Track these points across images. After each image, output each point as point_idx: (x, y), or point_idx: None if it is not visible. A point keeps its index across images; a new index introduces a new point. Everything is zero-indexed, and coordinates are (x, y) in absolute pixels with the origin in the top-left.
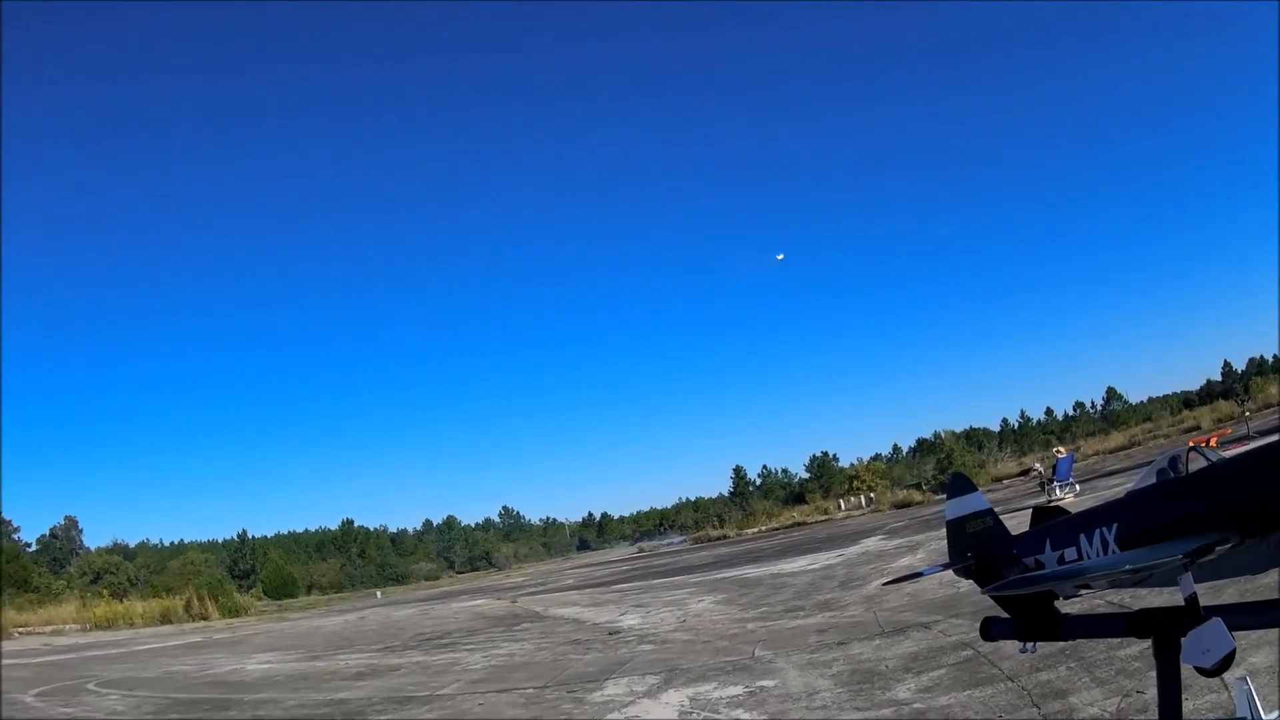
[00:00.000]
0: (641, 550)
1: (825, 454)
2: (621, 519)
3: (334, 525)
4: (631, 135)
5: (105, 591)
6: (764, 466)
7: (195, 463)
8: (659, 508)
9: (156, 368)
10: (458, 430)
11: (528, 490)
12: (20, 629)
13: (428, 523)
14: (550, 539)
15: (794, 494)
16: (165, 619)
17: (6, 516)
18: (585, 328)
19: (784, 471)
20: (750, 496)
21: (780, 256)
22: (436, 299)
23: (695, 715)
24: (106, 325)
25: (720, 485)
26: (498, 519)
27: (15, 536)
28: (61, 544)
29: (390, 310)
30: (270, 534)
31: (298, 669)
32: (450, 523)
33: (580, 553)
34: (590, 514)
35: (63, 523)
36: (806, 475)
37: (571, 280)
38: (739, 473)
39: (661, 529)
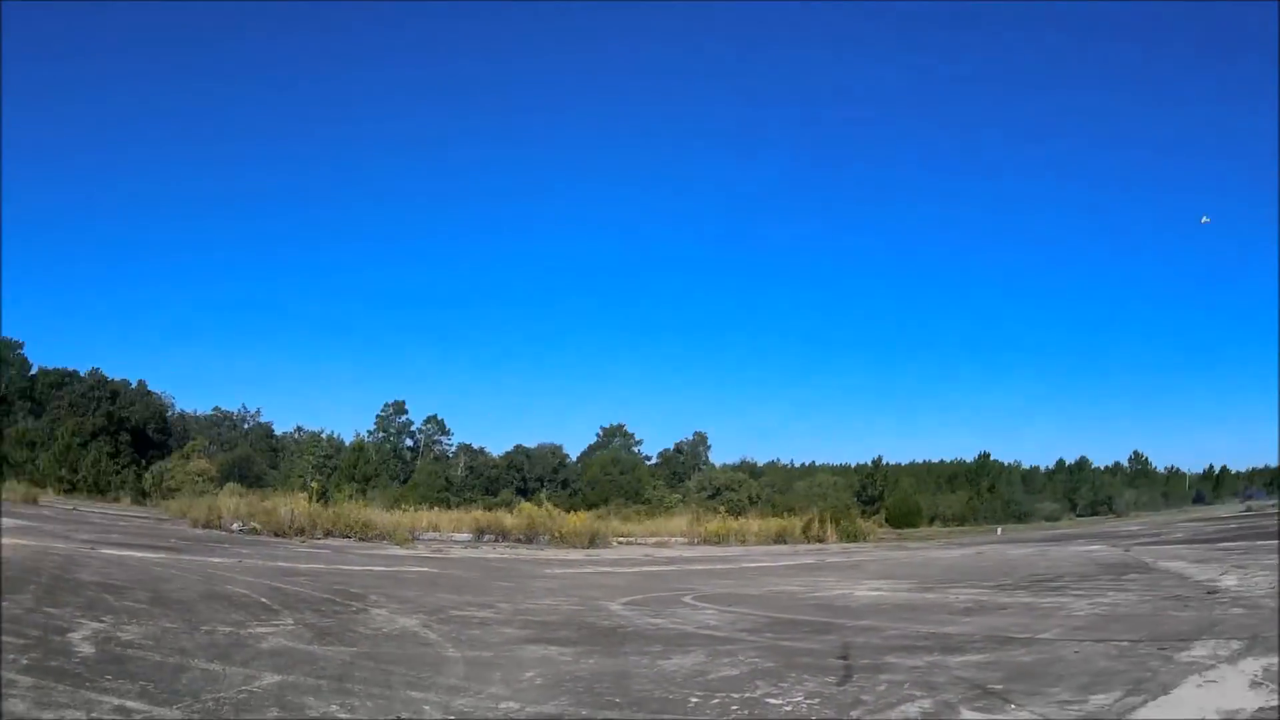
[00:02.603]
0: (1250, 509)
1: None
2: (1238, 474)
3: (970, 458)
4: None
5: (722, 508)
6: None
7: (828, 389)
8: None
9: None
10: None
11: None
12: (622, 539)
13: (1060, 462)
14: (1170, 489)
15: None
16: (779, 539)
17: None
18: None
19: None
20: None
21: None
22: None
23: (1263, 685)
24: None
25: None
26: (1126, 463)
27: (637, 449)
28: (685, 458)
29: None
30: (904, 462)
31: (906, 599)
32: (1082, 464)
33: (1195, 505)
34: (1210, 466)
35: (691, 438)
36: None
37: None
38: None
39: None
